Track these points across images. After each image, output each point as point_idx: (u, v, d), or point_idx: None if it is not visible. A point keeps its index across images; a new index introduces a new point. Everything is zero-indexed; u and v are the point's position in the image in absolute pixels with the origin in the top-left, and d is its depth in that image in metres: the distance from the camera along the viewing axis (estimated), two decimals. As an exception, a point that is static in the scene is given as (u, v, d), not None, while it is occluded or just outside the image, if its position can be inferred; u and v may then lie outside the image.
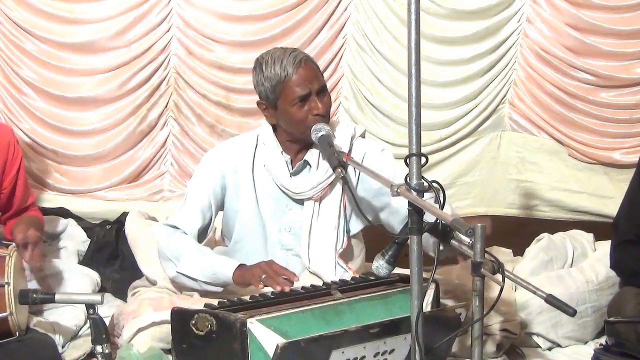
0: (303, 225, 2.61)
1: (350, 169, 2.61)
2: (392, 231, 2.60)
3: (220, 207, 2.71)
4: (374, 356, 2.12)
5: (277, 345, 1.91)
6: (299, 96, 2.50)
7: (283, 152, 2.63)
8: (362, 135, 2.74)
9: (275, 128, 2.65)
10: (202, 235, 2.67)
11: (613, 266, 2.99)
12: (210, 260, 2.53)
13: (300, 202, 2.62)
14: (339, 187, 2.60)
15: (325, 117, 2.54)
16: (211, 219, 2.68)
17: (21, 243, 2.54)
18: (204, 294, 2.59)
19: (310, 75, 2.52)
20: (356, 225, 2.70)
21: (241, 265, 2.48)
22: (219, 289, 2.53)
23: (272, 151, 2.63)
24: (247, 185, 2.65)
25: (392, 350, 2.15)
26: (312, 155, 2.61)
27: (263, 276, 2.37)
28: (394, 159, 2.72)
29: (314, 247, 2.60)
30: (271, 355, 1.93)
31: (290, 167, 2.62)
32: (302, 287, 2.32)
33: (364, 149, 2.67)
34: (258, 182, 2.65)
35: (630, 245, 2.88)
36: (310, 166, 2.61)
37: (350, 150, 2.63)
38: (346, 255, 2.67)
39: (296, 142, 2.62)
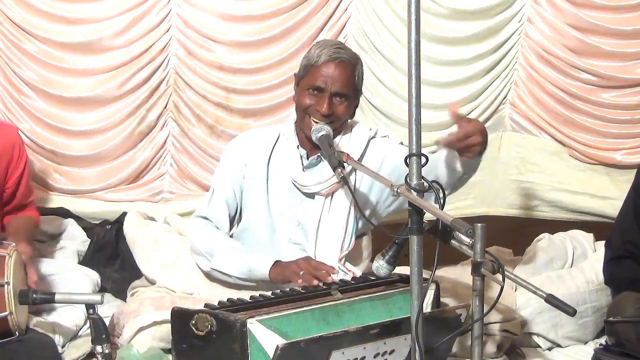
0: (312, 221, 2.62)
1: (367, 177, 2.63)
2: None
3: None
4: (374, 357, 2.11)
5: (277, 346, 1.91)
6: (313, 85, 2.55)
7: (299, 147, 2.65)
8: (385, 136, 2.77)
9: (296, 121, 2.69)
10: (230, 224, 2.74)
11: (607, 282, 3.01)
12: (245, 257, 2.57)
13: (312, 196, 2.63)
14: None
15: (328, 120, 2.55)
16: (236, 208, 2.74)
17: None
18: (207, 295, 2.60)
19: (336, 75, 2.55)
20: (366, 224, 2.70)
21: (277, 262, 2.51)
22: (253, 284, 2.56)
23: (289, 144, 2.67)
24: (261, 177, 2.69)
25: (392, 351, 2.15)
26: None
27: (301, 272, 2.41)
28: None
29: (321, 243, 2.62)
30: (271, 356, 1.93)
31: (304, 161, 2.64)
32: (303, 287, 2.32)
33: (384, 151, 2.69)
34: (272, 174, 2.68)
35: (622, 259, 2.90)
36: (323, 162, 2.63)
37: (364, 151, 2.66)
38: (353, 257, 2.68)
39: (306, 136, 2.63)
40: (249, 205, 2.71)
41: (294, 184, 2.64)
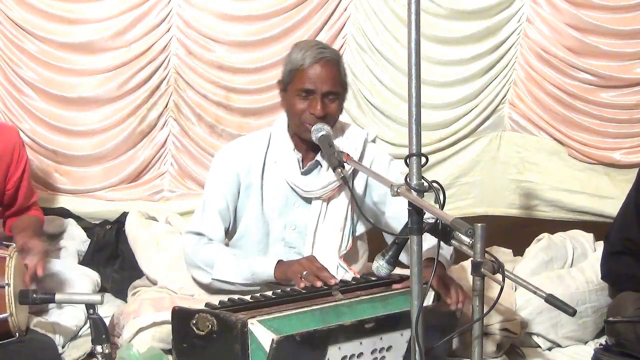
0: (309, 225, 2.61)
1: (362, 176, 2.63)
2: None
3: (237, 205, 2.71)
4: (372, 353, 2.12)
5: (273, 339, 1.91)
6: (304, 89, 2.51)
7: (295, 150, 2.63)
8: (373, 141, 2.75)
9: (288, 125, 2.66)
10: (225, 235, 2.69)
11: (604, 277, 3.00)
12: (246, 262, 2.54)
13: (308, 200, 2.62)
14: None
15: (323, 120, 2.53)
16: (230, 220, 2.69)
17: (20, 249, 2.54)
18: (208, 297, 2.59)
19: (324, 75, 2.52)
20: (362, 226, 2.70)
21: (280, 262, 2.49)
22: (257, 289, 2.52)
23: (284, 148, 2.63)
24: (256, 184, 2.65)
25: (390, 348, 2.15)
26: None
27: (304, 273, 2.37)
28: (398, 164, 2.72)
29: (318, 246, 2.61)
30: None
31: (301, 165, 2.62)
32: (304, 288, 2.32)
33: (372, 155, 2.69)
34: (267, 179, 2.65)
35: (621, 255, 2.89)
36: (321, 166, 2.61)
37: (362, 154, 2.65)
38: (350, 256, 2.67)
39: (302, 139, 2.61)
40: (245, 213, 2.67)
41: (292, 188, 2.61)
